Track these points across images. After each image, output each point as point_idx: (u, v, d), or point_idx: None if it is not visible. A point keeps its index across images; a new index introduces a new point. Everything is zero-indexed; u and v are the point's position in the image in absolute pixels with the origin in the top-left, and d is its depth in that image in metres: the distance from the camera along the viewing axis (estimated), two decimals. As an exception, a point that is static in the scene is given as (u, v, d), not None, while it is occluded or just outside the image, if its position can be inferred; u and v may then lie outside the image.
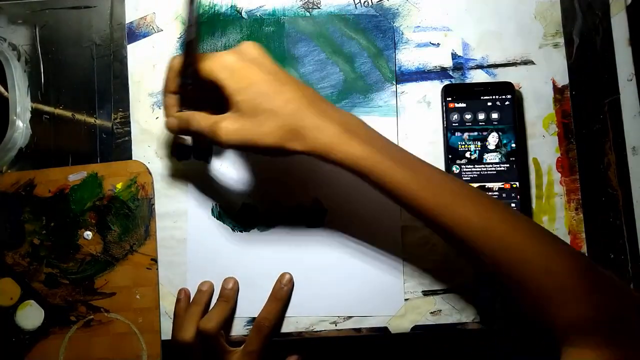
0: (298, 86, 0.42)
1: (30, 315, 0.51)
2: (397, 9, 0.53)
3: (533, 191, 0.51)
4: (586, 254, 0.50)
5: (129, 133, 0.53)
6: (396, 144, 0.44)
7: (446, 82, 0.52)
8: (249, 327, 0.51)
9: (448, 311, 0.50)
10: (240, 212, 0.52)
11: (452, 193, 0.41)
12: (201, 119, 0.43)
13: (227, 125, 0.41)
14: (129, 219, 0.52)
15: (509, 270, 0.40)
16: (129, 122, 0.53)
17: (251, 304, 0.51)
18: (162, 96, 0.46)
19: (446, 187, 0.41)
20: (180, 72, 0.44)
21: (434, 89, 0.52)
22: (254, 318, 0.51)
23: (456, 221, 0.40)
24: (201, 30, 0.53)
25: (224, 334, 0.49)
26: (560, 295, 0.38)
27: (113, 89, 0.54)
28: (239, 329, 0.51)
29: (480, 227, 0.40)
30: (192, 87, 0.44)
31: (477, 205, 0.41)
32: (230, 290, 0.50)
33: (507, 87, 0.50)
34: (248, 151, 0.47)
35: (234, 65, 0.41)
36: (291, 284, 0.50)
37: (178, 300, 0.50)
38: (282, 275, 0.50)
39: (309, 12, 0.54)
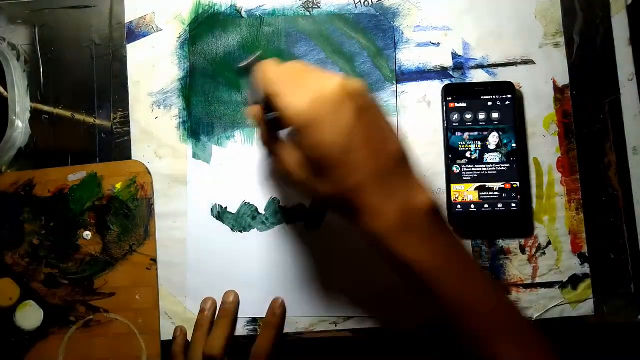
0: (371, 153, 0.35)
1: (30, 316, 0.51)
2: (397, 9, 0.53)
3: (533, 191, 0.51)
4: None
5: (128, 133, 0.53)
6: (455, 240, 0.38)
7: (446, 82, 0.52)
8: (249, 327, 0.51)
9: (448, 311, 0.50)
10: (240, 212, 0.52)
11: (500, 323, 0.37)
12: (283, 152, 0.39)
13: (296, 172, 0.38)
14: (128, 219, 0.52)
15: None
16: (129, 122, 0.53)
17: (251, 305, 0.51)
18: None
19: (496, 316, 0.37)
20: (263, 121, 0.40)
21: (434, 88, 0.52)
22: (254, 318, 0.51)
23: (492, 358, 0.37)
24: (201, 30, 0.53)
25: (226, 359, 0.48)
26: None
27: (112, 89, 0.53)
28: (239, 329, 0.51)
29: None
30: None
31: (522, 345, 0.37)
32: (230, 304, 0.50)
33: (507, 87, 0.50)
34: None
35: (308, 114, 0.35)
36: (283, 308, 0.50)
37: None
38: (274, 301, 0.50)
39: (309, 11, 0.53)
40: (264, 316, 0.50)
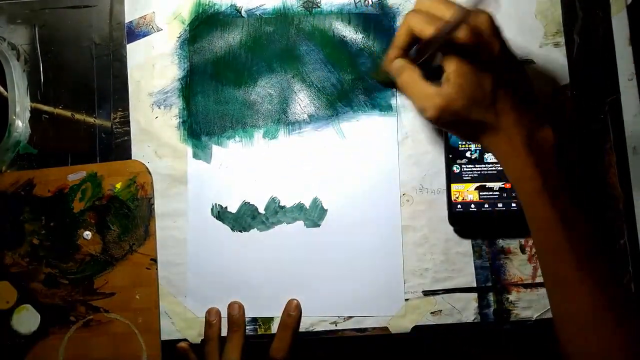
0: (511, 80, 0.40)
1: (26, 320, 0.51)
2: (398, 8, 0.53)
3: (533, 191, 0.51)
4: None
5: (128, 133, 0.53)
6: (563, 174, 0.41)
7: (446, 82, 0.52)
8: (249, 326, 0.51)
9: (448, 311, 0.50)
10: (240, 212, 0.52)
11: (587, 250, 0.40)
12: (417, 86, 0.42)
13: (438, 104, 0.40)
14: (128, 218, 0.52)
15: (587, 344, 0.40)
16: (129, 122, 0.53)
17: (251, 304, 0.51)
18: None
19: (584, 242, 0.40)
20: (420, 40, 0.42)
21: (434, 88, 0.52)
22: (254, 318, 0.51)
23: (572, 280, 0.40)
24: (201, 30, 0.53)
25: None
26: None
27: (112, 89, 0.53)
28: (238, 329, 0.51)
29: (590, 297, 0.39)
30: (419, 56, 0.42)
31: (601, 271, 0.40)
32: (239, 317, 0.50)
33: (507, 87, 0.50)
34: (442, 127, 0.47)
35: (465, 43, 0.39)
36: (298, 310, 0.50)
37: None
38: (290, 302, 0.50)
39: (309, 11, 0.53)
40: (267, 315, 0.51)
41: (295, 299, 0.50)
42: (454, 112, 0.40)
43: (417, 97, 0.42)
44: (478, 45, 0.39)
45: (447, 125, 0.42)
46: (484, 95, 0.40)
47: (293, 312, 0.50)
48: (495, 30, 0.40)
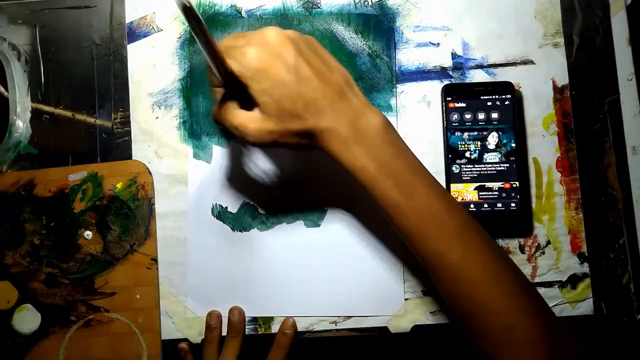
0: (319, 83, 0.39)
1: (27, 319, 0.51)
2: (397, 9, 0.53)
3: (533, 191, 0.51)
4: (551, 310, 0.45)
5: (129, 133, 0.53)
6: (407, 154, 0.42)
7: (446, 82, 0.52)
8: (249, 326, 0.51)
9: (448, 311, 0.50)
10: (240, 212, 0.52)
11: (440, 225, 0.40)
12: (232, 117, 0.40)
13: (254, 128, 0.40)
14: (129, 218, 0.52)
15: (471, 316, 0.40)
16: (129, 122, 0.53)
17: (251, 304, 0.51)
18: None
19: (436, 218, 0.40)
20: (210, 71, 0.41)
21: (433, 88, 0.52)
22: (254, 318, 0.51)
23: (432, 256, 0.40)
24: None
25: None
26: (515, 356, 0.38)
27: (113, 89, 0.54)
28: (239, 328, 0.51)
29: (456, 268, 0.39)
30: (225, 82, 0.41)
31: (462, 243, 0.40)
32: (238, 323, 0.50)
33: (507, 87, 0.50)
34: (273, 148, 0.46)
35: (256, 64, 0.38)
36: (294, 329, 0.50)
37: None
38: (285, 320, 0.50)
39: (309, 11, 0.54)
40: (267, 315, 0.51)
41: (292, 318, 0.50)
42: (270, 130, 0.39)
43: (233, 127, 0.40)
44: (272, 59, 0.38)
45: (275, 144, 0.40)
46: (293, 105, 0.39)
47: (288, 331, 0.50)
48: (283, 39, 0.39)
